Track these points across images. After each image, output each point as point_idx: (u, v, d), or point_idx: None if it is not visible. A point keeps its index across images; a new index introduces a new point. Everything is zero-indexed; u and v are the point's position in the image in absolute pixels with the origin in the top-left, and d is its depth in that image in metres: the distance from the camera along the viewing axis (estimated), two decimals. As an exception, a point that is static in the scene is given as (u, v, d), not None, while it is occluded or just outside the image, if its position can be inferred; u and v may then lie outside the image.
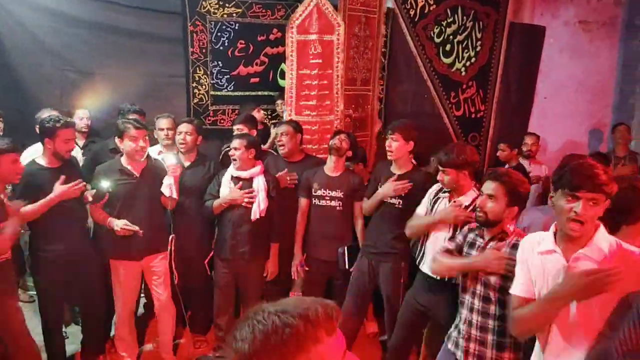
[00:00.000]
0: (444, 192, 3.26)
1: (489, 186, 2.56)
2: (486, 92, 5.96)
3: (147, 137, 3.60)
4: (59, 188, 3.36)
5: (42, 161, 3.48)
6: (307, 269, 3.99)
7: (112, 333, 4.17)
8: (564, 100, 6.29)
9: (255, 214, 3.73)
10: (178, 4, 5.04)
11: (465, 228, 2.81)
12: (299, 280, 4.06)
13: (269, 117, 5.17)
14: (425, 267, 3.23)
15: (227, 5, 5.11)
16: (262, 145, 4.56)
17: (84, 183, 3.51)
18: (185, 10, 5.03)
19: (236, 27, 5.17)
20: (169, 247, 3.72)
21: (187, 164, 4.01)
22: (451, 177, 3.11)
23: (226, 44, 5.17)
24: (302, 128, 4.26)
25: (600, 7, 6.28)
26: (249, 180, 3.77)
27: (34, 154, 3.70)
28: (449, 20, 5.68)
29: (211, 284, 4.02)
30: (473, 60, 5.86)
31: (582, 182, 1.93)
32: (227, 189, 3.79)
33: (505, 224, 2.58)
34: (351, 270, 3.83)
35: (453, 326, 2.77)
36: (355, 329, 3.83)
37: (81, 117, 4.51)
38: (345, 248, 3.88)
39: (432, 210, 3.27)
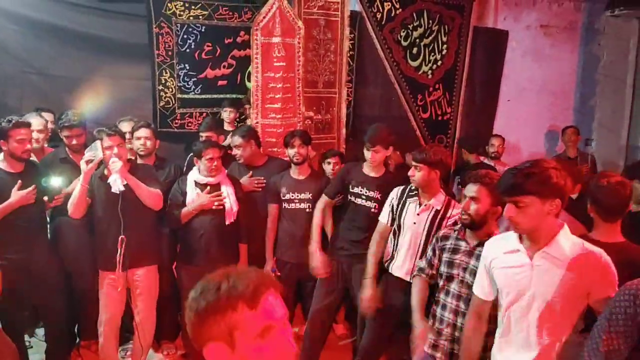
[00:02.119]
0: (411, 195, 3.28)
1: (471, 189, 2.61)
2: (452, 94, 6.06)
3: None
4: (16, 194, 3.27)
5: (2, 165, 3.41)
6: (278, 274, 3.98)
7: (78, 340, 4.12)
8: (526, 102, 6.45)
9: (229, 217, 3.72)
10: (142, 6, 4.96)
11: (439, 235, 2.83)
12: (271, 284, 4.04)
13: (237, 120, 5.13)
14: (396, 269, 3.27)
15: (193, 7, 5.05)
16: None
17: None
18: (150, 12, 4.93)
19: (202, 30, 5.11)
20: (119, 249, 3.48)
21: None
22: (423, 174, 3.14)
23: (193, 47, 5.11)
24: (255, 133, 4.24)
25: (561, 12, 6.46)
26: (217, 186, 3.75)
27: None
28: (415, 24, 5.75)
29: (177, 289, 3.97)
30: (439, 63, 5.95)
31: (502, 189, 2.09)
32: (193, 196, 3.74)
33: (491, 227, 2.62)
34: None
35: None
36: (324, 329, 3.84)
37: (49, 120, 4.40)
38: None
39: (401, 215, 3.29)
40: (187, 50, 5.10)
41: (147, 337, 3.72)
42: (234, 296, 1.12)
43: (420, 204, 3.23)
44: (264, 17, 4.50)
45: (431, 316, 2.79)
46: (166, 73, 5.07)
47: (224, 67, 5.23)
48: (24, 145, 3.38)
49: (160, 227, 3.85)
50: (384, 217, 3.39)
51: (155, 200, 3.54)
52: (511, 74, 6.34)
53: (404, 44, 5.75)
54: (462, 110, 6.09)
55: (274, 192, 3.97)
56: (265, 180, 4.09)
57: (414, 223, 3.22)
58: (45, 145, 4.25)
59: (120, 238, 3.45)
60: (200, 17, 5.10)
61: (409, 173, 3.24)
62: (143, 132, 4.00)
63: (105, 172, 3.47)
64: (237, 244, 3.85)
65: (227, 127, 4.97)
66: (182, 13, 5.03)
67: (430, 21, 5.80)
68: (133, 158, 3.96)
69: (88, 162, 3.39)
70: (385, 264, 3.36)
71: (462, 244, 2.69)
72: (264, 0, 4.91)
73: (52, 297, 3.63)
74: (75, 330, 4.13)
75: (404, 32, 5.71)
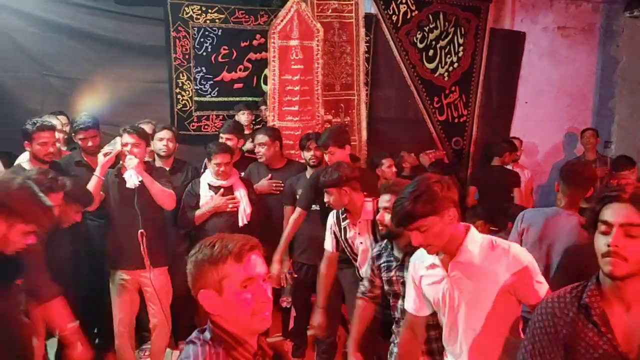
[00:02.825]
0: (345, 218, 3.26)
1: (384, 199, 2.62)
2: (469, 96, 6.02)
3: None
4: None
5: (27, 166, 3.46)
6: (295, 275, 3.98)
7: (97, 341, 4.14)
8: (544, 104, 6.38)
9: (242, 219, 3.75)
10: (160, 9, 5.02)
11: (374, 254, 2.80)
12: (288, 286, 4.05)
13: (254, 122, 5.15)
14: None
15: (209, 11, 5.10)
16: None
17: None
18: (167, 15, 5.00)
19: (219, 33, 5.16)
20: (141, 243, 3.52)
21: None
22: (334, 197, 3.14)
23: (209, 50, 5.15)
24: (280, 134, 4.25)
25: (579, 13, 6.39)
26: (229, 188, 3.77)
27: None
28: (431, 26, 5.74)
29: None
30: (455, 65, 5.92)
31: (397, 222, 2.06)
32: (207, 198, 3.77)
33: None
34: None
35: (392, 342, 2.74)
36: (333, 332, 3.83)
37: (63, 123, 4.45)
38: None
39: (345, 240, 3.28)
40: (204, 53, 5.15)
41: (164, 338, 3.75)
42: (224, 252, 1.38)
43: (355, 225, 3.20)
44: (282, 20, 4.53)
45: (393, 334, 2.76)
46: (183, 76, 5.12)
47: (240, 70, 5.27)
48: (46, 148, 3.43)
49: (173, 229, 3.87)
50: (328, 245, 3.38)
51: (168, 199, 3.55)
52: (528, 76, 6.28)
53: (420, 46, 5.74)
54: (479, 113, 6.05)
55: (290, 194, 3.97)
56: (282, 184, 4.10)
57: (361, 243, 3.20)
58: (64, 149, 4.30)
59: (140, 232, 3.48)
60: (217, 20, 5.14)
61: (325, 199, 3.22)
62: (165, 133, 4.03)
63: (122, 169, 3.51)
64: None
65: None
66: (199, 17, 5.08)
67: (447, 23, 5.78)
68: (151, 160, 4.00)
69: (106, 154, 3.44)
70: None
71: (392, 259, 2.68)
72: (280, 4, 4.94)
73: (72, 296, 3.65)
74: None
75: (420, 34, 5.70)
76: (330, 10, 4.88)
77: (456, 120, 6.00)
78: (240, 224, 3.75)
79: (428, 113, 5.81)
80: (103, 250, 3.73)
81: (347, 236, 3.27)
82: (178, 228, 3.94)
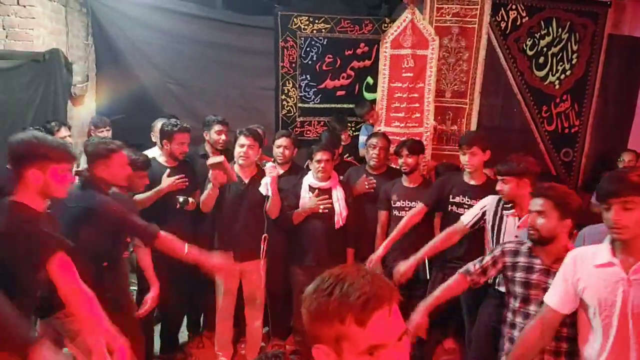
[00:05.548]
0: (507, 208, 3.18)
1: (536, 202, 2.49)
2: (582, 106, 5.70)
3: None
4: (166, 180, 3.65)
5: (161, 159, 3.84)
6: (388, 280, 4.01)
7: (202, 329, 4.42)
8: (669, 115, 5.88)
9: (338, 222, 3.85)
10: (271, 20, 5.30)
11: (506, 248, 2.66)
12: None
13: (352, 129, 5.28)
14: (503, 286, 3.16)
15: (316, 21, 5.30)
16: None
17: (185, 180, 3.73)
18: (277, 26, 5.27)
19: (325, 42, 5.34)
20: (261, 246, 3.78)
21: (280, 172, 4.07)
22: (510, 187, 3.07)
23: (315, 59, 5.36)
24: (390, 142, 4.31)
25: None
26: (328, 190, 3.88)
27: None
28: (542, 32, 5.51)
29: (291, 289, 4.14)
30: (568, 73, 5.64)
31: (609, 190, 1.96)
32: (306, 200, 3.91)
33: (563, 241, 2.46)
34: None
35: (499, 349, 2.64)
36: (432, 342, 3.81)
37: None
38: (426, 258, 3.86)
39: (498, 229, 3.21)
40: (310, 62, 5.36)
41: (259, 330, 3.95)
42: (344, 306, 1.06)
43: (519, 218, 3.12)
44: (395, 30, 4.59)
45: (506, 340, 2.63)
46: (289, 84, 5.37)
47: (343, 77, 5.42)
48: (183, 148, 3.81)
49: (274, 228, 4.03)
50: (467, 218, 3.32)
51: (278, 208, 3.77)
52: (651, 85, 5.83)
53: (530, 53, 5.53)
54: (593, 123, 5.71)
55: (385, 199, 4.01)
56: (375, 184, 4.12)
57: (516, 237, 3.10)
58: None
59: (264, 236, 3.76)
60: (323, 30, 5.33)
61: (497, 187, 3.15)
62: (283, 141, 4.13)
63: (235, 166, 3.73)
64: (344, 247, 3.97)
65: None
66: (306, 27, 5.30)
67: (560, 29, 5.52)
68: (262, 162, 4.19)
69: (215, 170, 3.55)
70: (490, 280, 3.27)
71: (537, 261, 2.52)
72: (388, 13, 5.01)
73: (178, 288, 3.93)
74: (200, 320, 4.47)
75: (530, 40, 5.49)
76: (450, 15, 4.85)
77: (566, 131, 5.69)
78: (336, 227, 3.85)
79: (535, 122, 5.58)
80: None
81: (502, 225, 3.22)
82: (278, 226, 4.12)
